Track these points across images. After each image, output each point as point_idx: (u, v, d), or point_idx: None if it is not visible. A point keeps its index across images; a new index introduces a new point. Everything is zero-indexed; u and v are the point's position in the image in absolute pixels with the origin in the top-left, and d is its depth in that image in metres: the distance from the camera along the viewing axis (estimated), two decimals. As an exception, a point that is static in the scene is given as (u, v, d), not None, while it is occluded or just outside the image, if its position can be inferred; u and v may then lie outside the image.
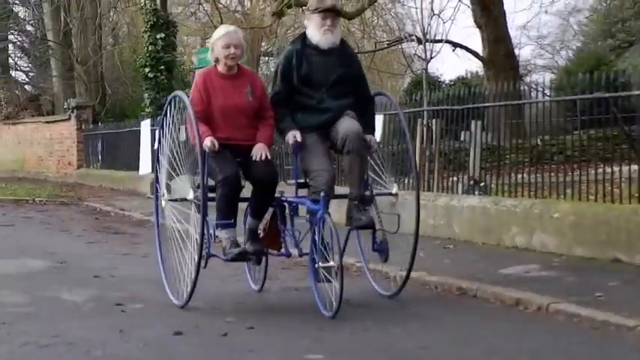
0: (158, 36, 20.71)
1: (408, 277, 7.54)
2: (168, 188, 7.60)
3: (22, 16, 36.95)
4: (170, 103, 7.68)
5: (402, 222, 7.29)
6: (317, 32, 7.49)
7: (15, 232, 13.41)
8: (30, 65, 38.43)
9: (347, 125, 7.30)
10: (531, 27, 36.06)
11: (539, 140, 11.00)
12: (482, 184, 11.24)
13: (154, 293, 8.02)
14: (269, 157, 7.28)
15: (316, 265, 6.91)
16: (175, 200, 7.51)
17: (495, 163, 11.33)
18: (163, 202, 7.60)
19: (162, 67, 20.86)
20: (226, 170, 7.09)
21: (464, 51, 24.14)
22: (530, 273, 8.53)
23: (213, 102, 7.30)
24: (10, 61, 37.62)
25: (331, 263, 6.81)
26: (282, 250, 7.54)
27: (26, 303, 7.70)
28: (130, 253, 10.95)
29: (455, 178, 11.80)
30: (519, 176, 10.83)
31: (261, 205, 7.43)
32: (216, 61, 7.49)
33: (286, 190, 7.63)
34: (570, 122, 10.47)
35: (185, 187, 7.38)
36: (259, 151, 7.23)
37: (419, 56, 20.47)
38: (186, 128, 7.50)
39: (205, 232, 7.02)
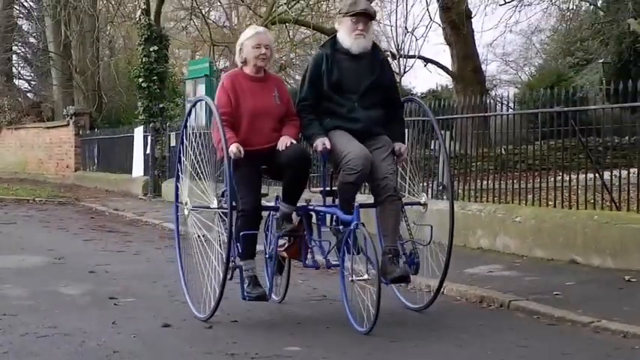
0: (151, 49, 20.64)
1: (439, 289, 7.03)
2: (191, 196, 6.88)
3: (25, 29, 36.84)
4: (194, 107, 7.08)
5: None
6: (348, 37, 6.72)
7: (16, 230, 13.33)
8: (32, 74, 38.23)
9: (385, 171, 6.56)
10: (497, 45, 36.11)
11: (503, 149, 11.03)
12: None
13: (145, 288, 8.04)
14: (294, 142, 6.58)
15: (350, 279, 6.25)
16: (198, 208, 6.80)
17: (462, 170, 11.36)
18: (186, 211, 6.88)
19: (154, 77, 20.79)
20: (246, 201, 6.47)
21: (435, 66, 24.24)
22: (493, 272, 8.56)
23: (242, 104, 6.60)
24: (14, 70, 37.43)
25: (365, 277, 6.17)
26: (309, 262, 6.85)
27: (27, 296, 7.68)
28: (123, 250, 10.90)
29: (425, 184, 11.79)
30: (484, 182, 10.85)
31: (293, 188, 6.68)
32: (244, 62, 6.76)
33: (312, 199, 6.95)
34: (532, 133, 10.52)
35: (208, 195, 6.72)
36: (284, 141, 6.54)
37: (393, 70, 20.58)
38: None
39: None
